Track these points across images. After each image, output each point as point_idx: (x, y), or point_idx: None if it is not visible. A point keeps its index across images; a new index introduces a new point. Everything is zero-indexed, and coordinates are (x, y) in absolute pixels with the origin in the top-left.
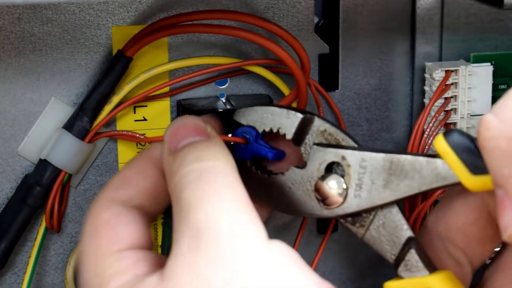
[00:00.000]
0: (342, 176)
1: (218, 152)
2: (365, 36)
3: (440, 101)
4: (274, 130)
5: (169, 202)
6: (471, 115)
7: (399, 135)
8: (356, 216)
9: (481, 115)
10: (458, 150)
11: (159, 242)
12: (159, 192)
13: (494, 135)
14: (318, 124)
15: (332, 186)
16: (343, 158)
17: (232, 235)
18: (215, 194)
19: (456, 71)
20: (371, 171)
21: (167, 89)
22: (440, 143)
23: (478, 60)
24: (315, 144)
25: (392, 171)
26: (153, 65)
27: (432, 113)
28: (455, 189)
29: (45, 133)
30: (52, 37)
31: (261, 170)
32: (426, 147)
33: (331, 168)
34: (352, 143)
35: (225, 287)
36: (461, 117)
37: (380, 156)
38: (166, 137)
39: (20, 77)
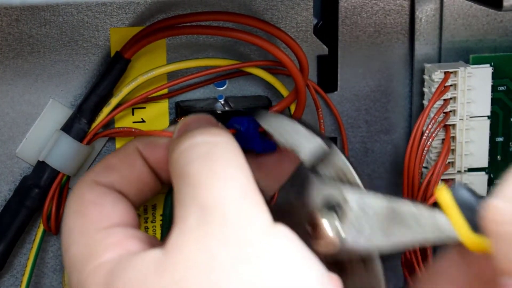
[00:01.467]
0: (340, 216)
1: (226, 132)
2: (364, 37)
3: (439, 102)
4: (291, 148)
5: (150, 196)
6: (470, 117)
7: (398, 137)
8: (338, 261)
9: (480, 116)
10: (462, 206)
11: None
12: (142, 183)
13: (500, 218)
14: (335, 157)
15: (327, 224)
16: (345, 199)
17: (241, 215)
18: (226, 172)
19: (455, 72)
20: (371, 216)
21: (165, 90)
22: (444, 197)
23: (477, 61)
24: (324, 175)
25: (392, 218)
26: (151, 67)
27: (431, 115)
28: (450, 252)
29: (43, 135)
30: (50, 39)
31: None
32: (425, 148)
33: (332, 205)
34: (360, 184)
35: (230, 264)
36: (460, 119)
37: (382, 202)
38: (177, 127)
39: (18, 79)
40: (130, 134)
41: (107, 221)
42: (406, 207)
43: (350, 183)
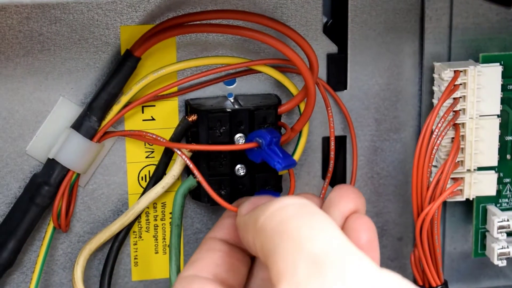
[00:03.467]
0: None
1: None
2: (374, 36)
3: (449, 101)
4: None
5: (244, 270)
6: (480, 116)
7: (407, 135)
8: None
9: (490, 115)
10: None
11: (167, 242)
12: (229, 263)
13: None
14: None
15: None
16: None
17: (352, 262)
18: (324, 225)
19: (465, 71)
20: None
21: (175, 89)
22: None
23: (487, 60)
24: None
25: None
26: (161, 65)
27: (441, 113)
28: None
29: (53, 133)
30: (61, 37)
31: None
32: (435, 147)
33: None
34: None
35: None
36: (470, 118)
37: None
38: (244, 204)
39: (28, 77)
40: (141, 137)
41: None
42: None
43: None
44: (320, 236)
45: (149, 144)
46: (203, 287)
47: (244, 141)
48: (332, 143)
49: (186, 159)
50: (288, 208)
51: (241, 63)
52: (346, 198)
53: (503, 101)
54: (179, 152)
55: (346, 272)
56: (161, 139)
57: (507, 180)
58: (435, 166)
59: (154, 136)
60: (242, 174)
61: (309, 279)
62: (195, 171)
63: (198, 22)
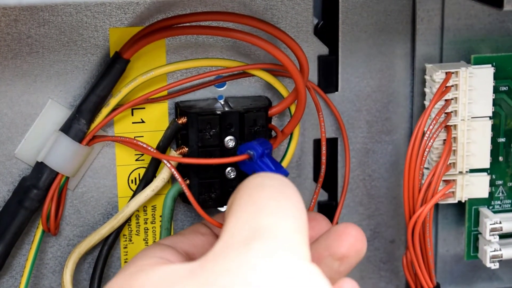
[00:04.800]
0: None
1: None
2: (365, 37)
3: (441, 103)
4: None
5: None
6: (472, 117)
7: (399, 137)
8: None
9: (482, 117)
10: None
11: None
12: (208, 247)
13: None
14: None
15: None
16: None
17: (289, 244)
18: (291, 209)
19: (456, 72)
20: None
21: (165, 92)
22: None
23: (479, 61)
24: None
25: None
26: (151, 67)
27: (433, 115)
28: None
29: (42, 136)
30: (49, 39)
31: None
32: (427, 149)
33: None
34: None
35: (267, 280)
36: (461, 119)
37: None
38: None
39: (17, 79)
40: (131, 144)
41: (149, 255)
42: None
43: None
44: (279, 214)
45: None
46: (161, 251)
47: (234, 143)
48: (324, 148)
49: (172, 169)
50: (271, 179)
51: (236, 67)
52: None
53: (495, 102)
54: (168, 165)
55: (277, 254)
56: (151, 149)
57: (500, 182)
58: (427, 168)
59: (144, 146)
60: (232, 176)
61: (242, 244)
62: (180, 180)
63: (187, 24)
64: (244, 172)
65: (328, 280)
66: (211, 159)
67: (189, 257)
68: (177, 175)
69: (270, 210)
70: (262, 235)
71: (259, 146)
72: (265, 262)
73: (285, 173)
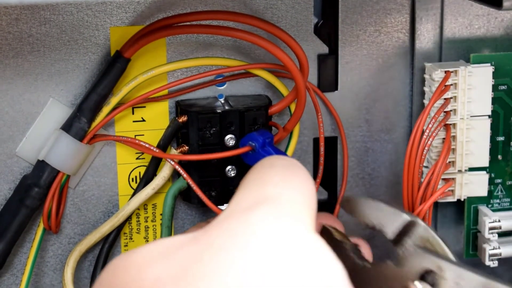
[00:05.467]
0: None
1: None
2: (365, 36)
3: (440, 101)
4: (377, 227)
5: None
6: (471, 116)
7: (398, 136)
8: None
9: (481, 116)
10: None
11: None
12: None
13: None
14: (422, 231)
15: None
16: (440, 269)
17: (292, 214)
18: (301, 187)
19: (455, 71)
20: None
21: (166, 91)
22: None
23: (478, 60)
24: (417, 246)
25: None
26: (151, 66)
27: (432, 114)
28: None
29: (43, 134)
30: (50, 38)
31: (358, 255)
32: (426, 147)
33: (426, 276)
34: (451, 257)
35: (264, 242)
36: (460, 118)
37: (478, 279)
38: None
39: (18, 78)
40: (133, 144)
41: None
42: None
43: (442, 256)
44: (285, 186)
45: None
46: None
47: (234, 142)
48: (322, 149)
49: (176, 166)
50: (278, 160)
51: (237, 66)
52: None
53: (494, 101)
54: (172, 163)
55: (280, 219)
56: (153, 149)
57: (499, 180)
58: (426, 167)
59: (146, 145)
60: (232, 175)
61: (245, 210)
62: (185, 176)
63: (188, 23)
64: (246, 168)
65: (331, 251)
66: (214, 154)
67: None
68: (181, 171)
69: (276, 182)
70: (267, 201)
71: (260, 136)
72: (267, 225)
73: None
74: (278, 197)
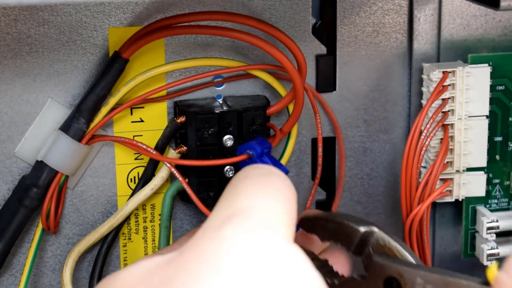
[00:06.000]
0: None
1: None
2: (363, 37)
3: (438, 102)
4: (335, 242)
5: None
6: (469, 116)
7: (397, 136)
8: None
9: (479, 116)
10: None
11: (156, 243)
12: None
13: None
14: (378, 237)
15: None
16: (401, 275)
17: (266, 225)
18: (276, 194)
19: (453, 72)
20: None
21: (164, 91)
22: (494, 273)
23: (476, 61)
24: (375, 256)
25: None
26: (149, 66)
27: (430, 114)
28: None
29: (42, 135)
30: (49, 39)
31: (325, 273)
32: (424, 148)
33: (390, 283)
34: (410, 259)
35: (235, 263)
36: (458, 118)
37: (437, 277)
38: None
39: (16, 79)
40: (131, 145)
41: None
42: (460, 282)
43: (402, 259)
44: (258, 196)
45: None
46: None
47: (232, 142)
48: (320, 150)
49: (172, 169)
50: (258, 169)
51: (235, 68)
52: None
53: (491, 101)
54: (168, 165)
55: (253, 231)
56: (151, 150)
57: (496, 181)
58: (424, 167)
59: (144, 147)
60: (231, 175)
61: (217, 226)
62: (181, 179)
63: (186, 24)
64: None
65: (310, 261)
66: (211, 161)
67: None
68: (177, 174)
69: (249, 193)
70: (239, 214)
71: (258, 146)
72: (240, 241)
73: (284, 170)
74: (251, 208)
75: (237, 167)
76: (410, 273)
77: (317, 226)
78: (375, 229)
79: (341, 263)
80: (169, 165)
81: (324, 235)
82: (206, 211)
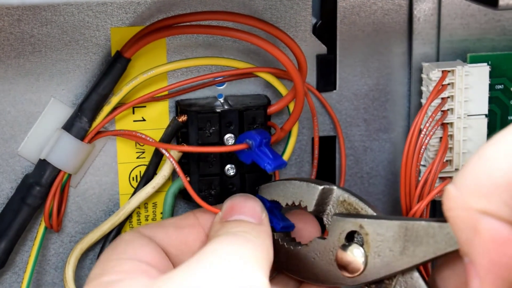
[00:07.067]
0: (362, 245)
1: (261, 237)
2: (363, 36)
3: (437, 101)
4: (296, 203)
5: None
6: (468, 115)
7: (397, 135)
8: (378, 283)
9: (478, 115)
10: None
11: None
12: (185, 245)
13: (453, 205)
14: (338, 195)
15: (352, 254)
16: (361, 227)
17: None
18: (238, 256)
19: (452, 71)
20: (388, 239)
21: (166, 91)
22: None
23: (475, 60)
24: (335, 214)
25: (408, 237)
26: (151, 66)
27: (429, 113)
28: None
29: (44, 134)
30: (52, 38)
31: (287, 242)
32: (423, 146)
33: (352, 237)
34: (370, 211)
35: None
36: (457, 117)
37: (396, 223)
38: (224, 206)
39: (19, 78)
40: (133, 137)
41: (128, 255)
42: (418, 224)
43: (362, 212)
44: (237, 256)
45: (140, 145)
46: (140, 247)
47: (233, 141)
48: (316, 151)
49: (173, 161)
50: (239, 224)
51: (239, 70)
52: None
53: (490, 100)
54: (167, 155)
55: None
56: (151, 139)
57: None
58: (424, 166)
59: (143, 136)
60: (232, 174)
61: (194, 263)
62: (180, 175)
63: (188, 24)
64: (243, 168)
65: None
66: (210, 147)
67: (166, 254)
68: (177, 168)
69: (224, 251)
70: (206, 260)
71: (258, 135)
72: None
73: (283, 162)
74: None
75: (238, 166)
76: (370, 223)
77: (278, 190)
78: (334, 186)
79: (305, 225)
80: (171, 159)
81: (285, 199)
82: (208, 208)
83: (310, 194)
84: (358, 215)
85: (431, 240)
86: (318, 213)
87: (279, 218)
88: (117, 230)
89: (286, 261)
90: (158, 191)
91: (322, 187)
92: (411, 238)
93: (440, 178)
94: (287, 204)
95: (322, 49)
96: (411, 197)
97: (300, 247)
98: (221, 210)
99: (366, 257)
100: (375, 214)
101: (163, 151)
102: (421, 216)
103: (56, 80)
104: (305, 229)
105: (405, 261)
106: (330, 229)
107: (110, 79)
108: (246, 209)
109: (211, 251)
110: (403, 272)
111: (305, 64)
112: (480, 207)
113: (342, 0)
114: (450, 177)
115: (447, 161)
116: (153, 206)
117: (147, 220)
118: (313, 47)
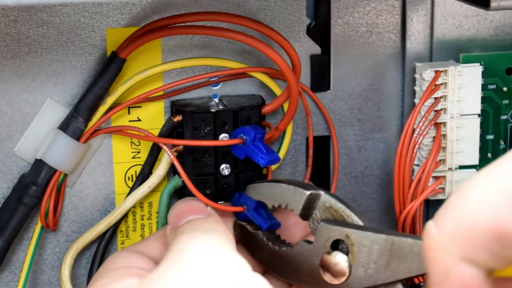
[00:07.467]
0: (347, 254)
1: (216, 225)
2: (356, 37)
3: (430, 101)
4: (283, 206)
5: None
6: (461, 115)
7: (390, 135)
8: None
9: (471, 114)
10: None
11: None
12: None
13: (432, 245)
14: (325, 200)
15: (337, 262)
16: (347, 236)
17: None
18: (205, 242)
19: (445, 71)
20: (373, 252)
21: (161, 92)
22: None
23: (468, 60)
24: (322, 220)
25: (393, 252)
26: (147, 66)
27: (422, 113)
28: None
29: (41, 134)
30: (48, 39)
31: (272, 241)
32: (416, 146)
33: (337, 245)
34: (356, 220)
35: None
36: (450, 117)
37: (382, 237)
38: (169, 219)
39: (16, 79)
40: (128, 133)
41: (119, 264)
42: (405, 241)
43: (348, 220)
44: (193, 245)
45: (136, 144)
46: (128, 257)
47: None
48: (311, 151)
49: (172, 156)
50: (187, 229)
51: (233, 70)
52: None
53: (483, 100)
54: (166, 149)
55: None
56: (146, 133)
57: None
58: (417, 165)
59: (137, 129)
60: (227, 173)
61: (166, 271)
62: (180, 170)
63: (183, 24)
64: (239, 166)
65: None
66: (205, 141)
67: (154, 260)
68: (176, 163)
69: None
70: (179, 259)
71: (252, 130)
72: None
73: (276, 157)
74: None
75: (233, 166)
76: (357, 234)
77: (264, 192)
78: (322, 192)
79: (292, 224)
80: (169, 153)
81: (272, 201)
82: (208, 202)
83: (297, 198)
84: (345, 223)
85: (415, 258)
86: (305, 218)
87: (266, 217)
88: (113, 230)
89: (271, 260)
90: (153, 191)
91: (309, 192)
92: (396, 253)
93: (434, 177)
94: (273, 206)
95: (316, 49)
96: (404, 196)
97: (285, 248)
98: (168, 223)
99: (350, 266)
100: (361, 223)
101: (163, 146)
102: (414, 215)
103: (52, 81)
104: (292, 228)
105: (388, 275)
106: (317, 234)
107: (106, 79)
108: (190, 209)
109: (182, 247)
110: (386, 285)
111: (299, 65)
112: (458, 253)
113: (335, 1)
114: (443, 176)
115: (440, 160)
116: (148, 205)
117: (142, 219)
118: (307, 47)
